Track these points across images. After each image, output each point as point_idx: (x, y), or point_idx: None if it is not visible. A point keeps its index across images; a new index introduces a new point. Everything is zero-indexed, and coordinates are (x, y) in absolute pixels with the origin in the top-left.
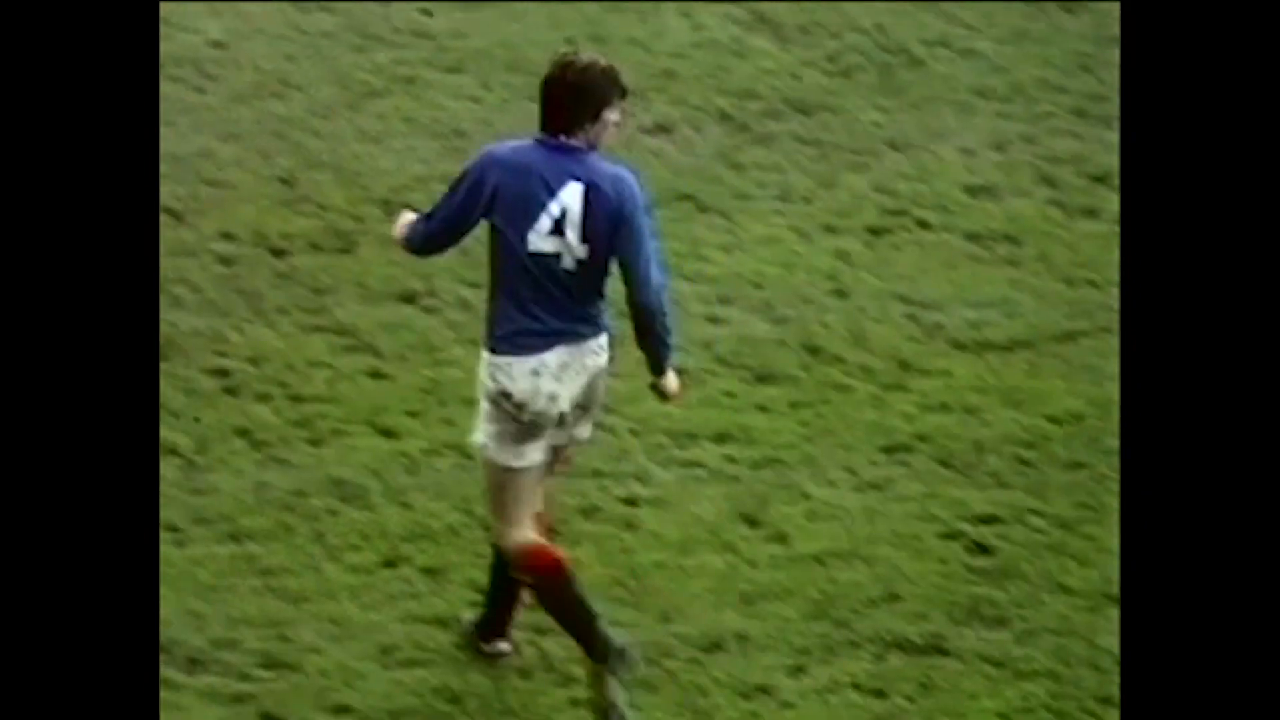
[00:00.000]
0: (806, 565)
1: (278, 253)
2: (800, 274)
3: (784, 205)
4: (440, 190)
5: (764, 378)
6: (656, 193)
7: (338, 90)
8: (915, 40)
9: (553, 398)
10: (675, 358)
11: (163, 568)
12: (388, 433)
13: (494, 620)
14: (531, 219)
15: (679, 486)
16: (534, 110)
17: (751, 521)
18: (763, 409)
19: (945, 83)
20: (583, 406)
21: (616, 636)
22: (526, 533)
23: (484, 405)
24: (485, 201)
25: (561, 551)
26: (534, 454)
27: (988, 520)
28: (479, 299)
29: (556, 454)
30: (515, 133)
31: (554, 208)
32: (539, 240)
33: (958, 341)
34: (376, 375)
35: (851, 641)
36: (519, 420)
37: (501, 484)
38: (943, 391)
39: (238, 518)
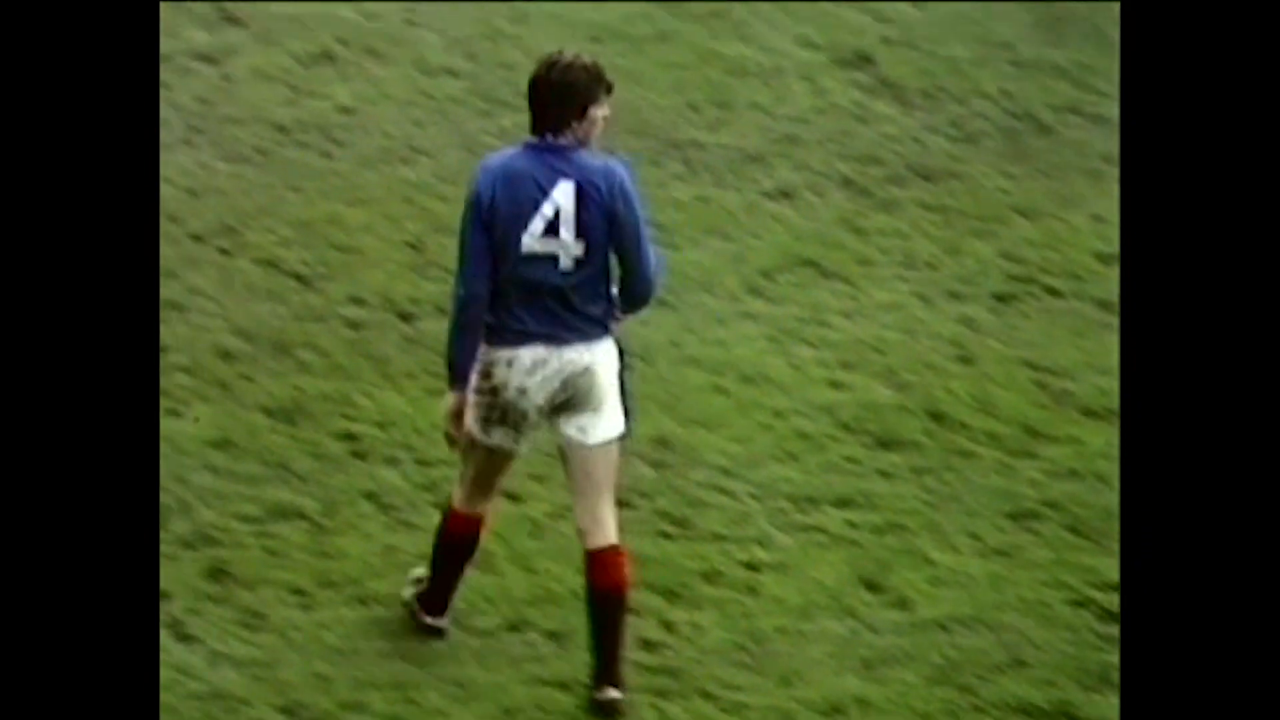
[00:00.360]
0: (929, 631)
1: (405, 317)
2: (924, 340)
3: (908, 271)
4: None
5: (887, 443)
6: (778, 258)
7: (464, 155)
8: (1043, 106)
9: (521, 390)
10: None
11: (289, 631)
12: (512, 497)
13: (435, 594)
14: (524, 222)
15: (800, 551)
16: (654, 173)
17: (873, 586)
18: (885, 474)
19: (1075, 149)
20: (564, 404)
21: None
22: (471, 502)
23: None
24: (485, 212)
25: (480, 527)
26: (499, 438)
27: (1119, 588)
28: None
29: (570, 461)
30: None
31: (547, 208)
32: (532, 242)
33: (1088, 408)
34: None
35: (977, 707)
36: (493, 405)
37: (467, 454)
38: (1072, 458)
39: (365, 581)
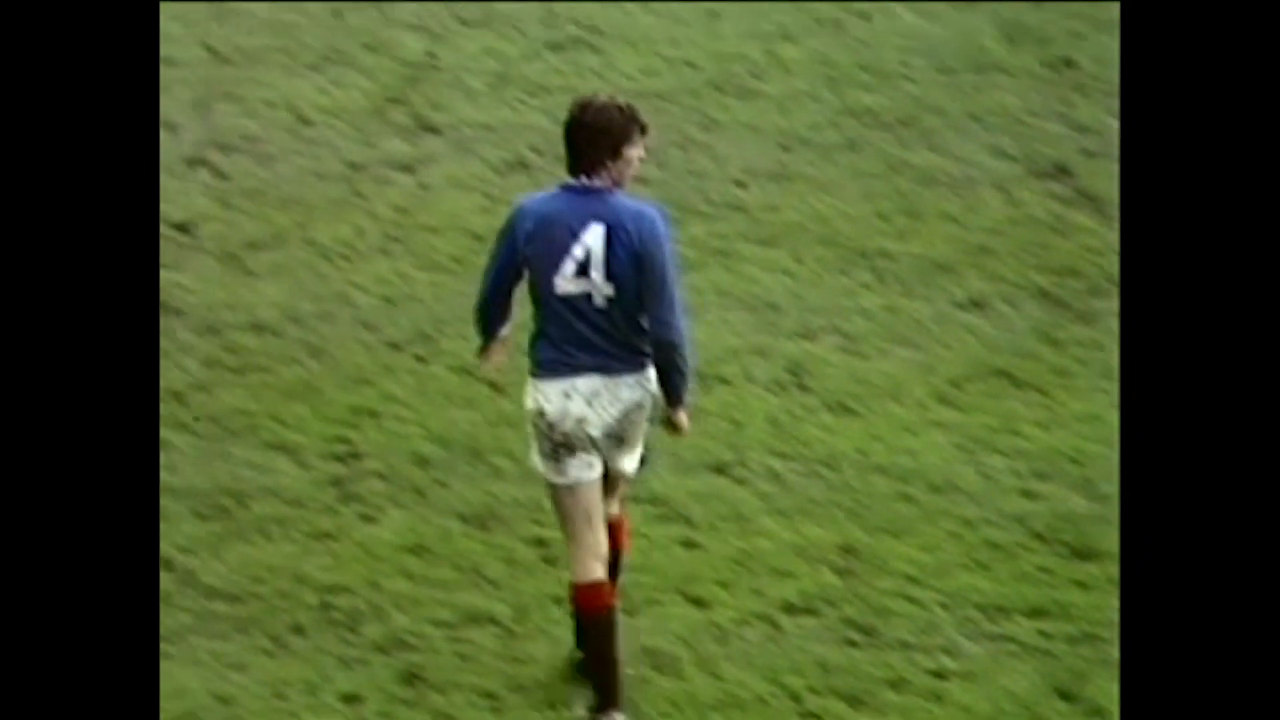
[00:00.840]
0: None
1: None
2: None
3: (1106, 383)
4: (753, 361)
5: (1083, 554)
6: (968, 368)
7: None
8: None
9: (581, 420)
10: (690, 396)
11: None
12: (698, 602)
13: (601, 688)
14: (556, 264)
15: (990, 660)
16: (846, 283)
17: (1067, 696)
18: (1081, 585)
19: None
20: (617, 437)
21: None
22: (590, 565)
23: (528, 427)
24: (520, 251)
25: (612, 598)
26: (575, 471)
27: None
28: (789, 470)
29: (606, 484)
30: (825, 305)
31: (578, 250)
32: (565, 284)
33: None
34: (688, 545)
35: None
36: (552, 439)
37: (555, 502)
38: None
39: (555, 686)
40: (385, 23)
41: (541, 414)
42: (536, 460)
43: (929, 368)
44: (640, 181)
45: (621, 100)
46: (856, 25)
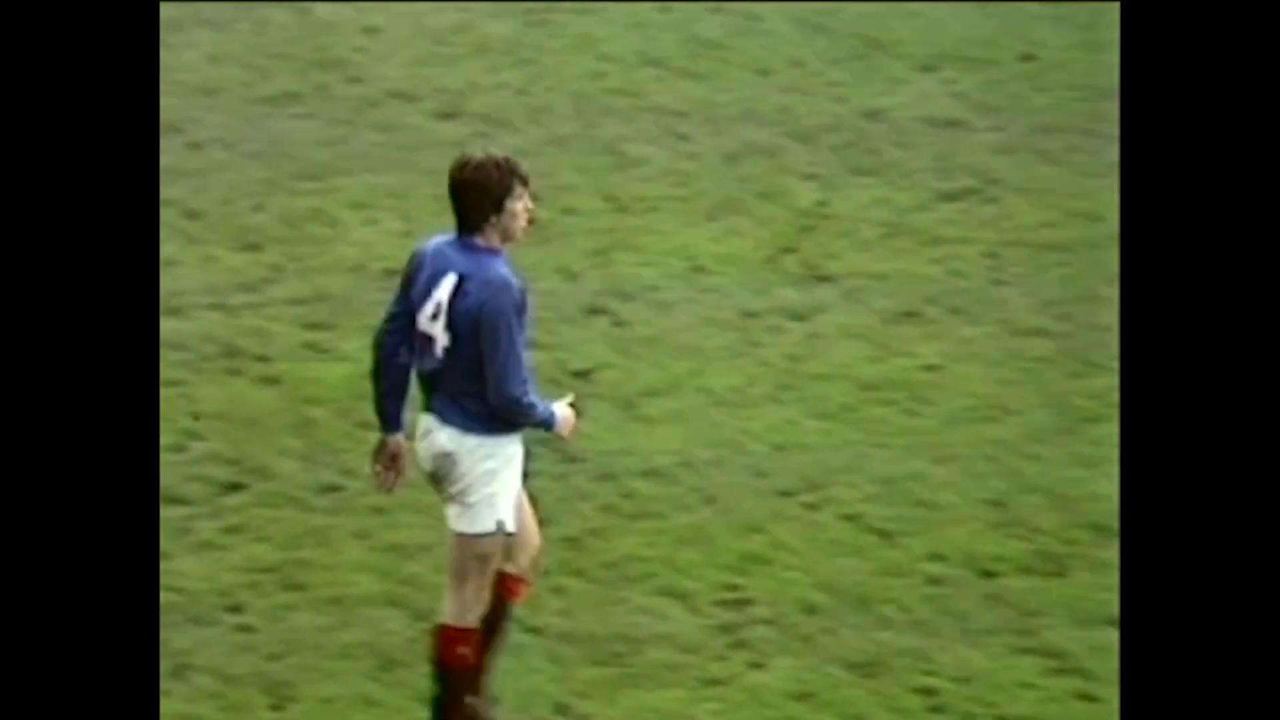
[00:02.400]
0: None
1: (988, 574)
2: None
3: None
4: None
5: None
6: None
7: (1053, 415)
8: None
9: (415, 453)
10: (562, 411)
11: None
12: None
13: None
14: (421, 303)
15: None
16: None
17: None
18: None
19: None
20: (437, 479)
21: None
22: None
23: None
24: (408, 286)
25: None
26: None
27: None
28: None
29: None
30: None
31: (438, 294)
32: (425, 322)
33: None
34: (1086, 698)
35: None
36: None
37: None
38: None
39: None
40: (778, 171)
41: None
42: None
43: None
44: (1039, 334)
45: (499, 155)
46: None
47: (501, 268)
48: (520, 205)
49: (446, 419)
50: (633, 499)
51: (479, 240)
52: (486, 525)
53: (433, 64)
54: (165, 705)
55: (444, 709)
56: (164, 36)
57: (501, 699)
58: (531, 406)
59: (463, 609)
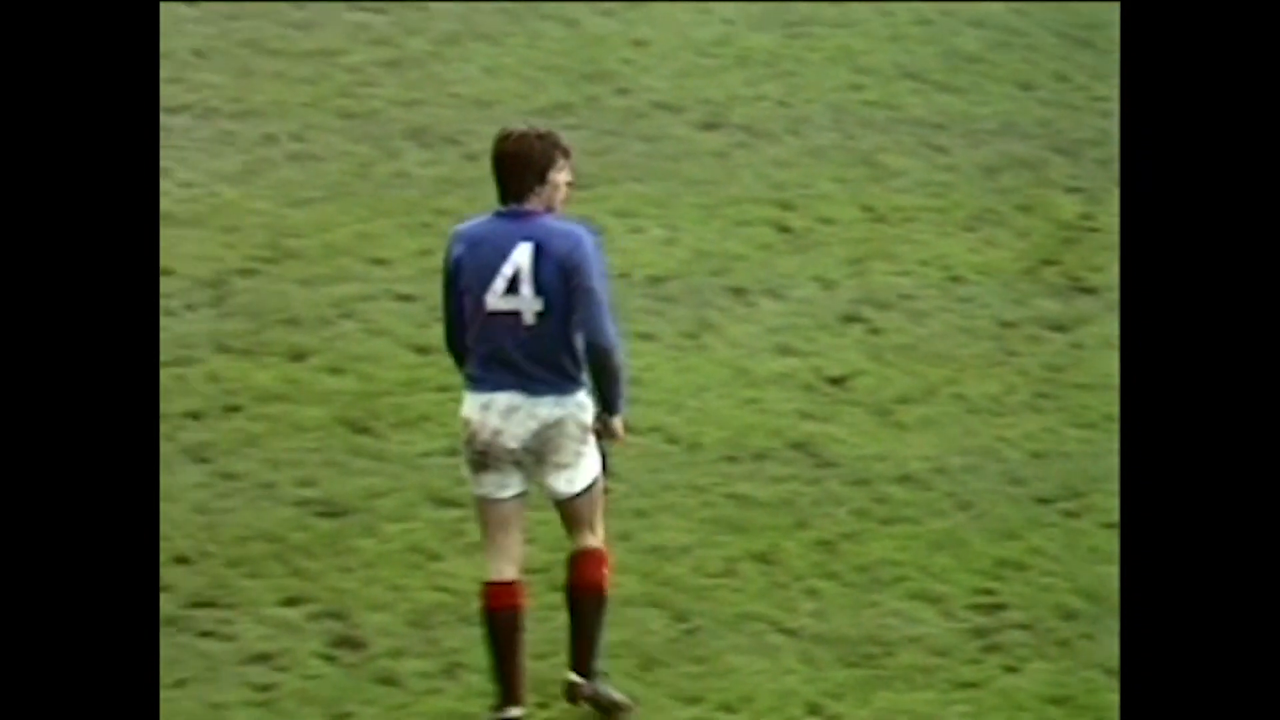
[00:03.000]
0: None
1: None
2: None
3: None
4: None
5: None
6: None
7: None
8: None
9: (497, 432)
10: (626, 409)
11: None
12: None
13: (504, 684)
14: (487, 283)
15: None
16: None
17: None
18: None
19: None
20: (537, 454)
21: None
22: (499, 567)
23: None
24: (453, 274)
25: (521, 598)
26: (488, 487)
27: None
28: None
29: (559, 509)
30: None
31: (507, 269)
32: (495, 300)
33: None
34: None
35: None
36: (473, 448)
37: (477, 512)
38: None
39: None
40: (1039, 183)
41: (466, 423)
42: (464, 468)
43: None
44: None
45: (541, 128)
46: None
47: (566, 222)
48: (562, 177)
49: (540, 390)
50: (886, 504)
51: (528, 207)
52: (595, 470)
53: (696, 75)
54: (437, 703)
55: (583, 633)
56: (440, 50)
57: (755, 698)
58: (620, 352)
59: (599, 540)
